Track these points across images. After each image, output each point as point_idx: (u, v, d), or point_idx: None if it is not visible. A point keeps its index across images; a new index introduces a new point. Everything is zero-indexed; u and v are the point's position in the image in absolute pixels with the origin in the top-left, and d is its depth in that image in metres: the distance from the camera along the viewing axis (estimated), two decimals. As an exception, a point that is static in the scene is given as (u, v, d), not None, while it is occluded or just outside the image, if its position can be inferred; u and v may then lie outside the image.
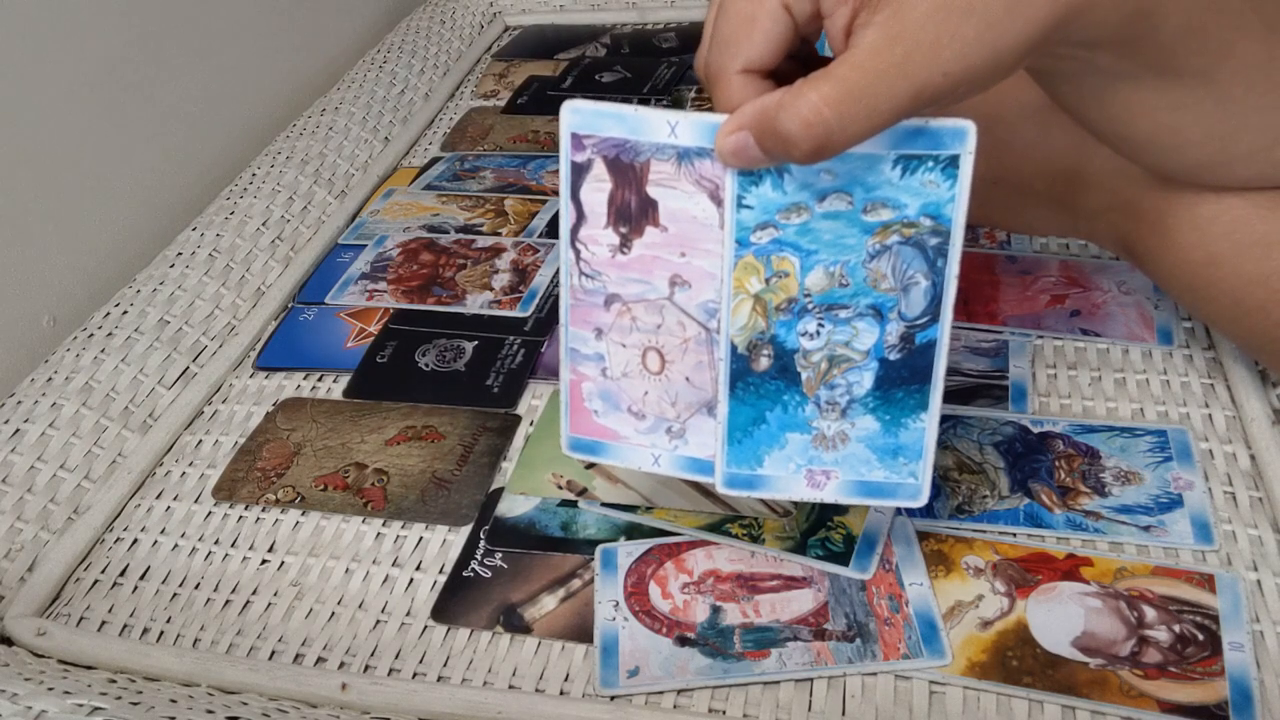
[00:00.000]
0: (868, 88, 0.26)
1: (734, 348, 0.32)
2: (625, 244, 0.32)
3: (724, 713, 0.34)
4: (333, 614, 0.39)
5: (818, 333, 0.31)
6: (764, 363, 0.32)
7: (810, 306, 0.31)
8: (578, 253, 0.32)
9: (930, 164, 0.29)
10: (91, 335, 0.51)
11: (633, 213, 0.31)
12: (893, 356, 0.31)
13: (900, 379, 0.31)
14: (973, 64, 0.26)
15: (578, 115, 0.31)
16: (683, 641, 0.36)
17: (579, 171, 0.31)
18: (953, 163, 0.29)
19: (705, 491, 0.41)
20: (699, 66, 0.31)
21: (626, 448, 0.35)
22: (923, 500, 0.32)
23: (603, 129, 0.31)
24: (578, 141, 0.31)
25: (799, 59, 0.31)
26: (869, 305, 0.31)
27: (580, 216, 0.32)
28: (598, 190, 0.31)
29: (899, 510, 0.39)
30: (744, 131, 0.28)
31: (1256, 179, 0.35)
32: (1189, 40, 0.30)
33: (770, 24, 0.28)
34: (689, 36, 0.81)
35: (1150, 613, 0.35)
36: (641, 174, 0.31)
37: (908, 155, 0.29)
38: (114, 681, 0.36)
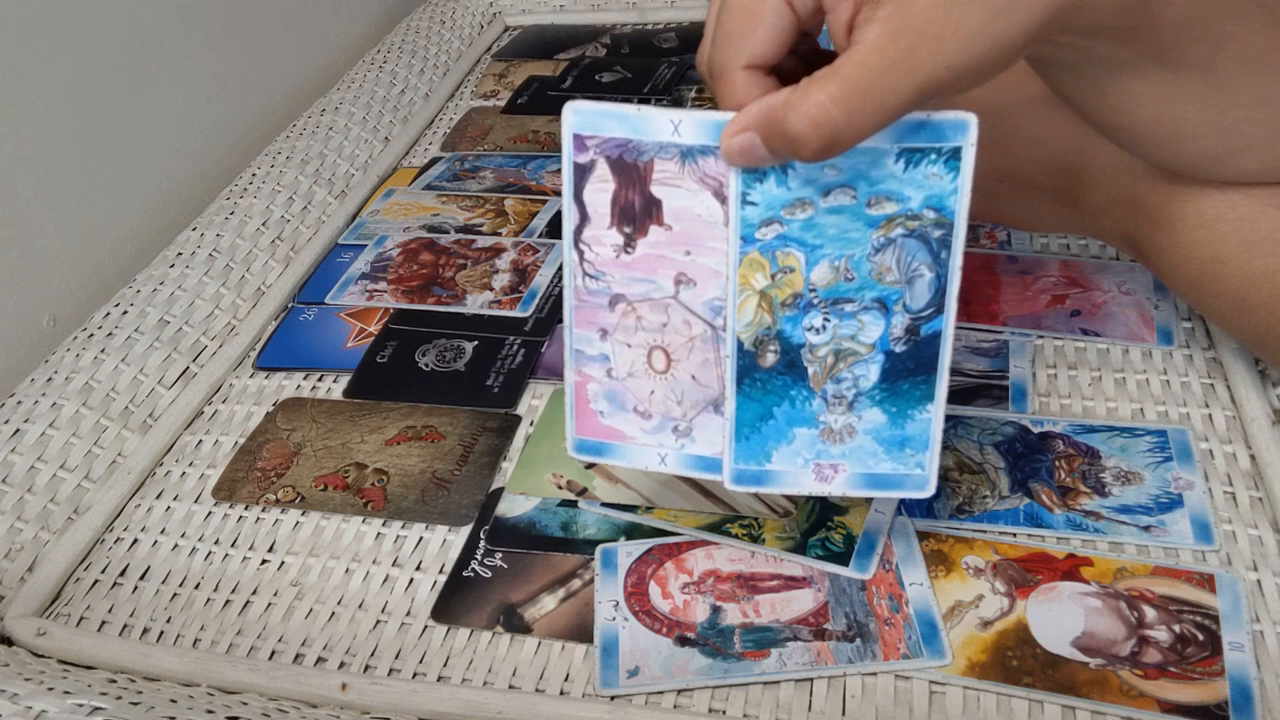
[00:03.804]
0: (873, 84, 0.26)
1: (740, 344, 0.32)
2: (629, 244, 0.32)
3: (724, 713, 0.34)
4: (333, 614, 0.39)
5: (824, 327, 0.31)
6: (770, 358, 0.32)
7: (816, 301, 0.31)
8: (581, 254, 0.32)
9: (933, 156, 0.29)
10: (91, 335, 0.51)
11: (637, 212, 0.31)
12: (898, 349, 0.31)
13: (906, 371, 0.32)
14: (975, 55, 0.26)
15: (580, 116, 0.31)
16: (683, 641, 0.36)
17: (582, 172, 0.31)
18: (955, 155, 0.29)
19: (705, 491, 0.41)
20: (701, 63, 0.31)
21: (633, 448, 0.35)
22: (930, 490, 0.33)
23: (605, 129, 0.31)
24: (580, 142, 0.31)
25: (800, 54, 0.31)
26: (874, 298, 0.31)
27: (583, 217, 0.32)
28: (601, 191, 0.31)
29: (899, 510, 0.39)
30: (750, 132, 0.28)
31: (1260, 172, 0.35)
32: (1189, 29, 0.30)
33: (774, 19, 0.28)
34: (689, 36, 0.81)
35: (1150, 613, 0.36)
36: (645, 173, 0.31)
37: (910, 148, 0.29)
38: (114, 681, 0.36)
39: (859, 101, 0.26)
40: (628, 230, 0.32)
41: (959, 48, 0.26)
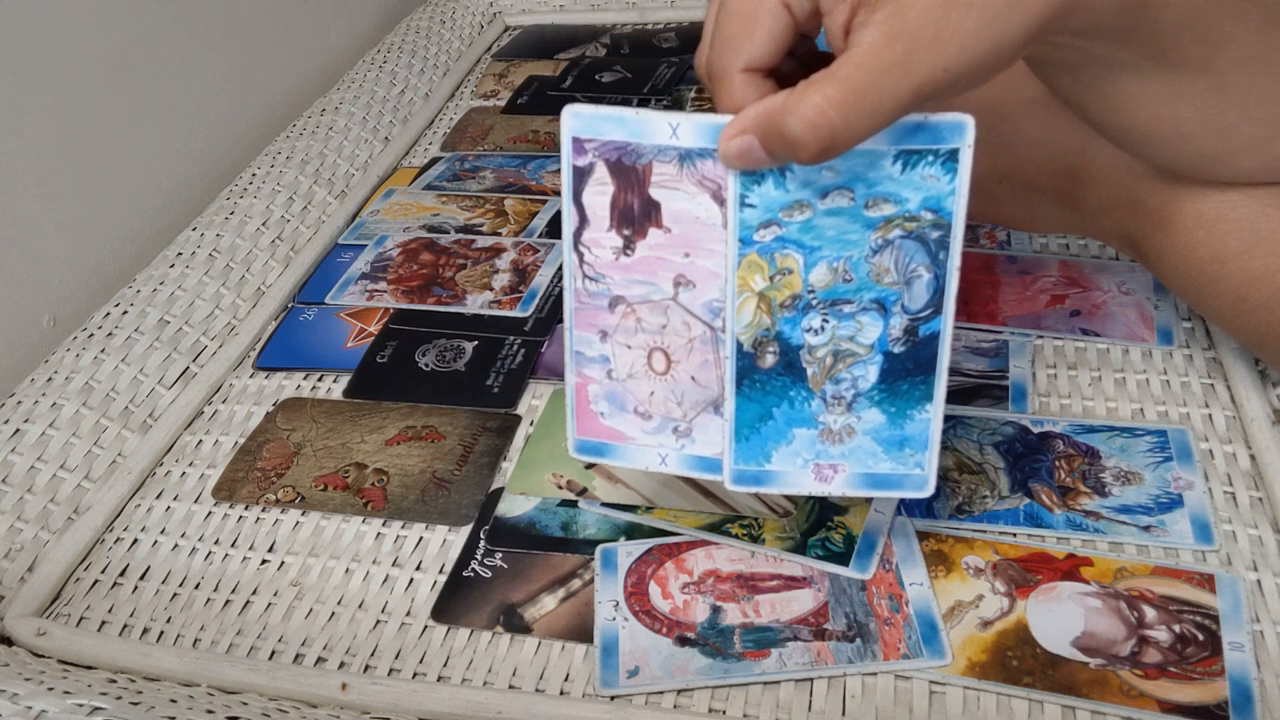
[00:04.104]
0: (871, 86, 0.26)
1: (739, 345, 0.32)
2: (629, 246, 0.32)
3: (724, 713, 0.34)
4: (333, 614, 0.39)
5: (822, 328, 0.31)
6: (769, 359, 0.32)
7: (814, 302, 0.31)
8: (581, 256, 0.32)
9: (930, 158, 0.29)
10: (91, 335, 0.51)
11: (635, 215, 0.31)
12: (897, 349, 0.31)
13: (905, 371, 0.32)
14: (973, 57, 0.26)
15: (578, 119, 0.31)
16: (683, 641, 0.36)
17: (581, 175, 0.31)
18: (952, 156, 0.29)
19: (705, 491, 0.41)
20: (700, 66, 0.31)
21: (633, 449, 0.35)
22: (929, 490, 0.33)
23: (604, 132, 0.31)
24: (579, 145, 0.31)
25: (798, 57, 0.31)
26: (873, 299, 0.31)
27: (583, 220, 0.32)
28: (600, 193, 0.31)
29: (899, 510, 0.40)
30: (748, 135, 0.28)
31: (1260, 173, 0.35)
32: (1187, 30, 0.30)
33: (772, 22, 0.28)
34: (689, 36, 0.81)
35: (1150, 613, 0.36)
36: (644, 176, 0.31)
37: (908, 150, 0.29)
38: (114, 681, 0.36)
39: (856, 104, 0.26)
40: (627, 233, 0.32)
41: (957, 50, 0.26)
